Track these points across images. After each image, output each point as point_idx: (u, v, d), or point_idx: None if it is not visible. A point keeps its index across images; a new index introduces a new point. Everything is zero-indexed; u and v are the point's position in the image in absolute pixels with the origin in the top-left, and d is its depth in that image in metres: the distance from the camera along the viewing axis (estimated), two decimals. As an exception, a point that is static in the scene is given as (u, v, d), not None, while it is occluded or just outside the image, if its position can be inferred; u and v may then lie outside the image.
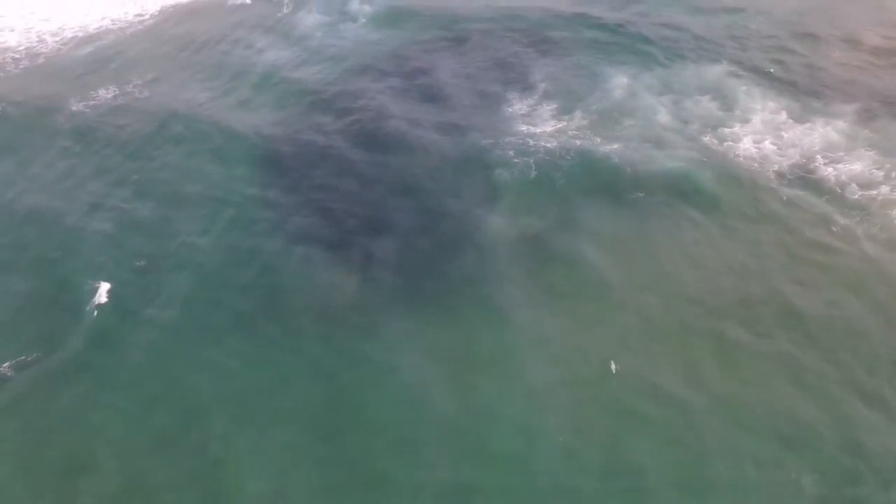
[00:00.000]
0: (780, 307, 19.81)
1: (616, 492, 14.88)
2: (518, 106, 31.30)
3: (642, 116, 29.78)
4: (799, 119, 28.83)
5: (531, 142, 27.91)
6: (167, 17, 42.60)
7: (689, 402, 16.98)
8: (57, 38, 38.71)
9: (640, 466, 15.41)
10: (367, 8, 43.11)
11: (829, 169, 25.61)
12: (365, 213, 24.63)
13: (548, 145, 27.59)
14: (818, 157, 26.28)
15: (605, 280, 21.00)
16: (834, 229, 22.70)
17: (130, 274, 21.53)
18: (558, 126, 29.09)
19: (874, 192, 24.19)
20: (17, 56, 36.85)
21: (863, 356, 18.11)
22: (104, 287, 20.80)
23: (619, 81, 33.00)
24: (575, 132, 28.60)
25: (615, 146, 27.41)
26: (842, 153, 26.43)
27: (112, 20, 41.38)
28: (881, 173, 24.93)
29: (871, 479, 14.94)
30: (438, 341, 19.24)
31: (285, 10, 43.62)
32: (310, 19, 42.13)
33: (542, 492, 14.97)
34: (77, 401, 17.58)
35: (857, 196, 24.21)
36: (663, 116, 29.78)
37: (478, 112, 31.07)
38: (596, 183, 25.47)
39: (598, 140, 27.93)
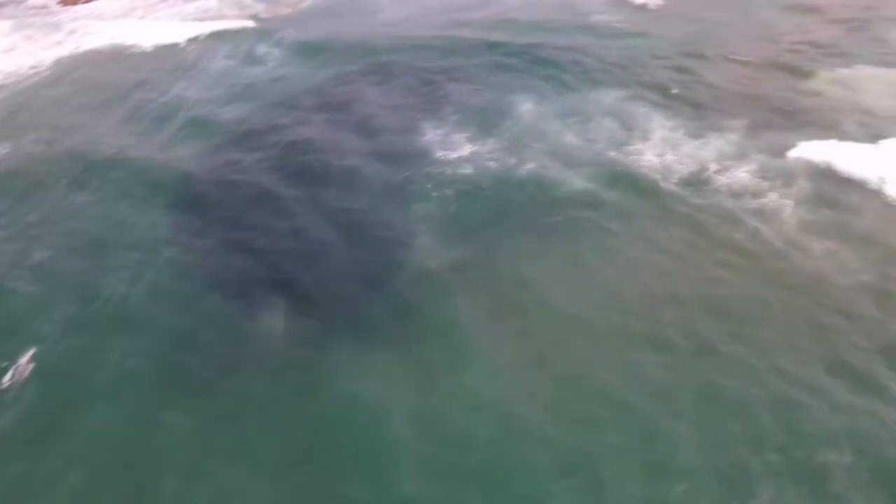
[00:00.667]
0: (707, 304, 21.17)
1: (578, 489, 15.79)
2: (433, 135, 31.82)
3: (551, 139, 31.00)
4: (695, 135, 31.27)
5: (448, 169, 28.45)
6: (66, 68, 40.74)
7: (634, 402, 18.01)
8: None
9: (601, 467, 16.36)
10: (275, 51, 43.01)
11: (724, 178, 27.98)
12: (293, 251, 24.05)
13: (464, 171, 28.23)
14: (714, 167, 28.51)
15: (534, 297, 21.63)
16: (740, 231, 24.46)
17: (56, 337, 20.35)
18: (473, 151, 29.89)
19: (764, 199, 26.70)
20: None
21: (789, 342, 19.63)
22: (28, 354, 19.61)
23: (527, 107, 34.38)
24: (489, 157, 29.46)
25: (529, 167, 28.46)
26: (735, 162, 28.97)
27: (5, 74, 39.35)
28: (766, 183, 27.20)
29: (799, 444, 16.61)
30: (379, 370, 19.21)
31: (189, 56, 42.98)
32: (217, 64, 41.61)
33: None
34: (12, 484, 16.12)
35: (752, 202, 26.55)
36: (571, 138, 31.27)
37: (394, 143, 31.25)
38: (514, 206, 26.27)
39: (512, 163, 28.87)
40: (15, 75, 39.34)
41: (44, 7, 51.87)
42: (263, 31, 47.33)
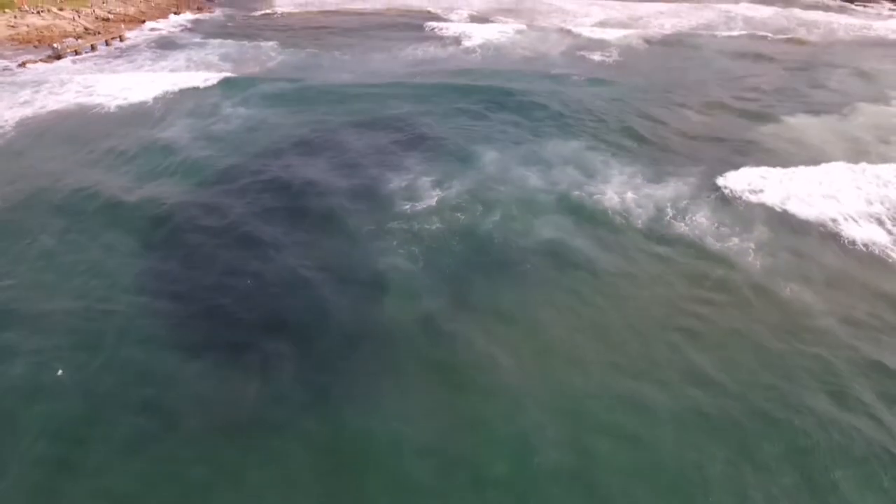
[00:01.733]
0: (680, 361, 20.98)
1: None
2: (399, 182, 32.05)
3: (516, 186, 31.43)
4: (654, 179, 32.05)
5: (415, 222, 28.41)
6: (30, 130, 40.65)
7: (635, 432, 18.01)
8: None
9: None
10: (245, 103, 43.55)
11: (685, 225, 28.52)
12: (257, 313, 23.40)
13: (431, 222, 28.28)
14: (674, 210, 29.28)
15: (500, 353, 21.29)
16: (705, 281, 24.79)
17: (10, 407, 19.71)
18: (439, 200, 30.01)
19: (729, 243, 27.22)
20: None
21: (768, 396, 19.65)
22: None
23: (491, 156, 34.90)
24: (455, 206, 29.61)
25: (495, 217, 28.66)
26: (693, 205, 29.72)
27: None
28: (727, 229, 27.88)
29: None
30: (341, 438, 18.74)
31: (156, 115, 43.11)
32: (186, 117, 41.81)
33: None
34: None
35: (716, 247, 27.07)
36: (535, 184, 31.62)
37: (361, 193, 31.26)
38: (482, 256, 26.26)
39: (479, 211, 29.03)
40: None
41: (4, 69, 51.88)
42: (233, 86, 48.41)
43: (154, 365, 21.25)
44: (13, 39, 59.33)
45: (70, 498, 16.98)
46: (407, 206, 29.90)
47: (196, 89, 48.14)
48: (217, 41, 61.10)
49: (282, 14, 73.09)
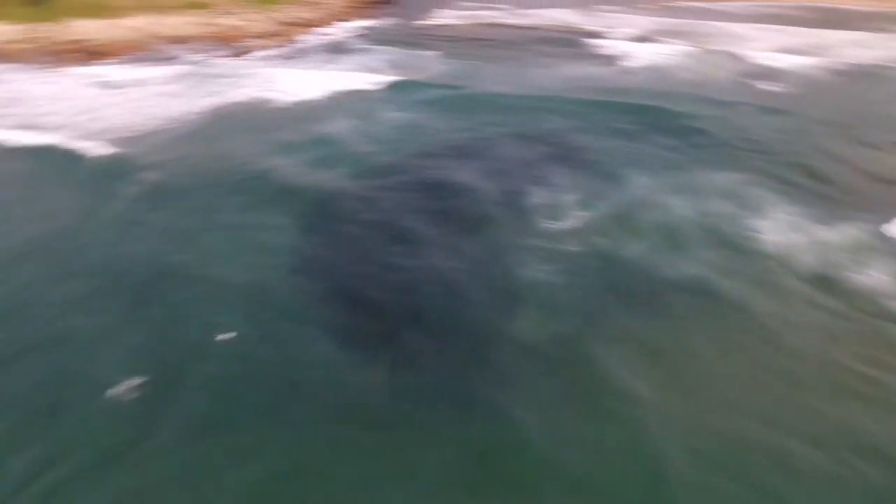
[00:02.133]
0: (842, 423, 19.14)
1: None
2: (540, 200, 31.73)
3: (665, 216, 30.08)
4: (825, 222, 29.41)
5: (555, 241, 28.12)
6: (215, 118, 45.14)
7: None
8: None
9: None
10: (400, 114, 45.01)
11: (858, 276, 25.83)
12: (400, 307, 24.30)
13: (570, 244, 27.79)
14: (846, 262, 26.47)
15: (639, 388, 20.51)
16: (879, 342, 22.13)
17: (162, 358, 21.94)
18: (581, 222, 29.53)
19: (908, 302, 24.30)
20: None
21: None
22: (124, 386, 20.47)
23: (642, 180, 33.65)
24: (597, 229, 28.91)
25: (638, 246, 27.63)
26: (872, 259, 26.75)
27: (162, 121, 44.10)
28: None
29: None
30: (465, 447, 18.85)
31: (323, 112, 46.05)
32: (337, 124, 44.02)
33: None
34: None
35: (891, 306, 24.36)
36: (687, 216, 30.14)
37: (502, 208, 31.40)
38: (620, 285, 25.34)
39: (622, 238, 28.15)
40: (173, 121, 44.17)
41: (198, 62, 57.98)
42: (395, 90, 50.39)
43: (305, 344, 22.62)
44: (207, 37, 65.98)
45: (215, 453, 18.49)
46: (548, 224, 29.57)
47: (360, 91, 50.91)
48: (383, 48, 64.10)
49: (445, 25, 75.43)
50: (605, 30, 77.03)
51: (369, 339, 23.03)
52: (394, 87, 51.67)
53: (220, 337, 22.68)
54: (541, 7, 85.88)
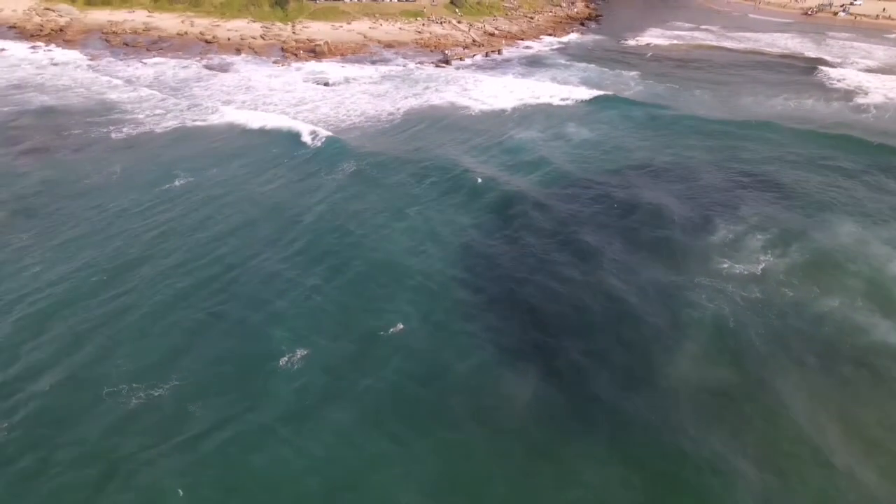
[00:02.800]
0: None
1: None
2: (723, 235, 29.84)
3: (870, 271, 26.79)
4: None
5: (731, 282, 26.17)
6: (414, 118, 48.31)
7: None
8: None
9: None
10: (583, 131, 45.03)
11: None
12: (564, 319, 24.69)
13: (750, 289, 25.65)
14: None
15: (808, 450, 18.98)
16: None
17: (328, 338, 23.71)
18: (766, 266, 27.20)
19: None
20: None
21: None
22: (301, 353, 22.72)
23: (847, 228, 30.35)
24: (784, 278, 26.41)
25: (832, 303, 24.79)
26: None
27: (367, 117, 48.07)
28: None
29: None
30: (607, 478, 18.52)
31: (513, 121, 47.36)
32: (527, 134, 45.00)
33: None
34: (271, 465, 18.77)
35: None
36: (893, 275, 26.81)
37: (681, 237, 29.96)
38: (803, 345, 22.96)
39: (812, 291, 25.52)
40: (374, 118, 47.95)
41: (405, 66, 62.04)
42: (586, 107, 50.20)
43: (470, 344, 23.60)
44: (417, 43, 70.31)
45: (377, 442, 19.84)
46: (725, 265, 27.56)
47: (550, 105, 51.28)
48: (582, 64, 63.75)
49: (650, 45, 73.02)
50: (834, 58, 69.70)
51: (534, 350, 23.26)
52: (584, 103, 51.35)
53: (392, 329, 24.23)
54: (758, 31, 79.84)
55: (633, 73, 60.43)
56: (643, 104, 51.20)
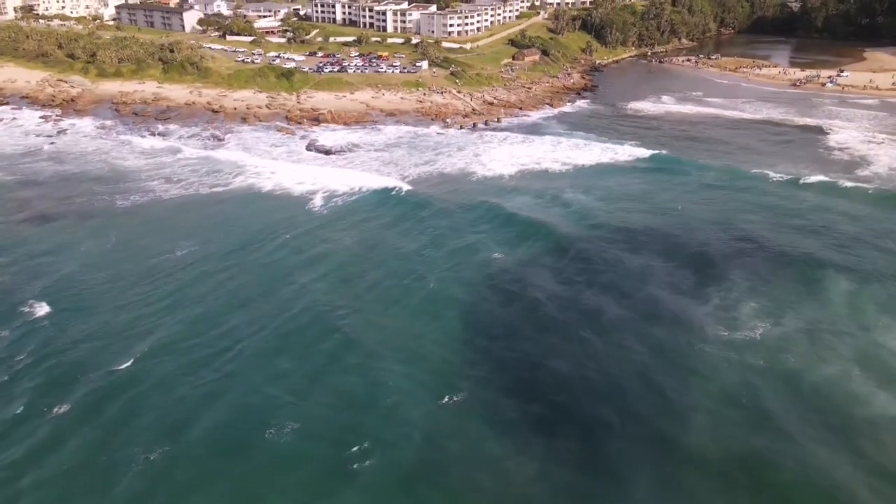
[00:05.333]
0: None
1: None
2: (714, 303, 30.13)
3: (868, 338, 27.03)
4: None
5: (729, 350, 26.36)
6: (425, 180, 50.00)
7: None
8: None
9: None
10: (581, 197, 45.96)
11: None
12: (575, 380, 25.08)
13: (749, 358, 25.78)
14: None
15: None
16: None
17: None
18: (764, 333, 27.41)
19: None
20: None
21: None
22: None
23: (839, 288, 30.75)
24: (783, 345, 26.56)
25: (828, 371, 24.91)
26: None
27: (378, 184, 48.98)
28: None
29: None
30: None
31: (509, 186, 48.75)
32: (526, 197, 45.95)
33: None
34: None
35: None
36: (891, 346, 26.78)
37: (671, 304, 30.40)
38: (808, 414, 23.05)
39: (811, 360, 25.70)
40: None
41: (415, 135, 63.70)
42: (580, 176, 50.90)
43: (472, 409, 23.83)
44: (418, 112, 72.27)
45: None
46: (724, 333, 27.76)
47: (546, 172, 52.32)
48: (579, 133, 65.13)
49: (646, 114, 74.81)
50: (824, 122, 70.73)
51: (534, 422, 23.16)
52: (578, 171, 52.31)
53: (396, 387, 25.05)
54: (751, 99, 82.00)
55: (629, 141, 61.67)
56: (639, 170, 52.39)
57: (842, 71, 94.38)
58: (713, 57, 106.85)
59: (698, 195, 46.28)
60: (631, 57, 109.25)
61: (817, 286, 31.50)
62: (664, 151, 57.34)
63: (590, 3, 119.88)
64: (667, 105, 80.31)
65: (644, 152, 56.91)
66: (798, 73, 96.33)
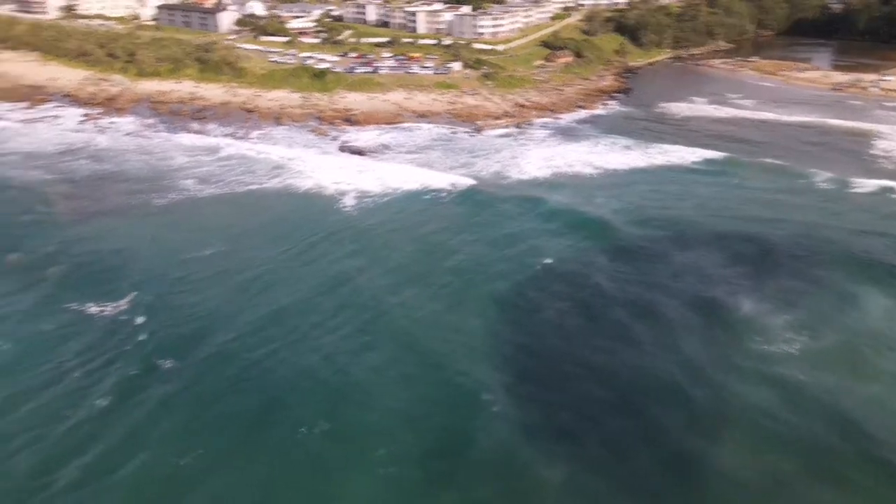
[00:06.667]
0: None
1: None
2: (750, 312, 29.51)
3: None
4: None
5: (765, 363, 25.81)
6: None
7: None
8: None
9: None
10: (614, 202, 45.59)
11: None
12: (590, 400, 24.57)
13: (787, 373, 25.16)
14: None
15: None
16: None
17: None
18: (798, 349, 26.69)
19: None
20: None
21: None
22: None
23: (878, 302, 29.85)
24: (821, 359, 25.92)
25: (870, 389, 24.24)
26: None
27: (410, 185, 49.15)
28: None
29: None
30: None
31: (544, 188, 48.66)
32: (561, 196, 45.80)
33: None
34: None
35: None
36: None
37: (704, 312, 29.86)
38: (850, 429, 22.47)
39: (850, 378, 25.00)
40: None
41: (447, 138, 63.74)
42: (611, 178, 50.26)
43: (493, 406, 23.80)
44: (450, 113, 72.21)
45: None
46: (761, 346, 27.11)
47: (582, 175, 51.92)
48: (614, 135, 64.27)
49: (686, 117, 73.57)
50: (871, 126, 68.55)
51: (561, 429, 23.02)
52: (609, 174, 51.80)
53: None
54: (792, 103, 79.98)
55: (664, 143, 60.73)
56: (676, 172, 51.72)
57: (885, 75, 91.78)
58: (751, 59, 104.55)
59: (735, 198, 45.55)
60: (666, 59, 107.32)
61: (860, 298, 30.67)
62: (701, 153, 56.40)
63: (624, 4, 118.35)
64: (703, 107, 78.81)
65: (680, 155, 56.07)
66: (840, 77, 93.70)
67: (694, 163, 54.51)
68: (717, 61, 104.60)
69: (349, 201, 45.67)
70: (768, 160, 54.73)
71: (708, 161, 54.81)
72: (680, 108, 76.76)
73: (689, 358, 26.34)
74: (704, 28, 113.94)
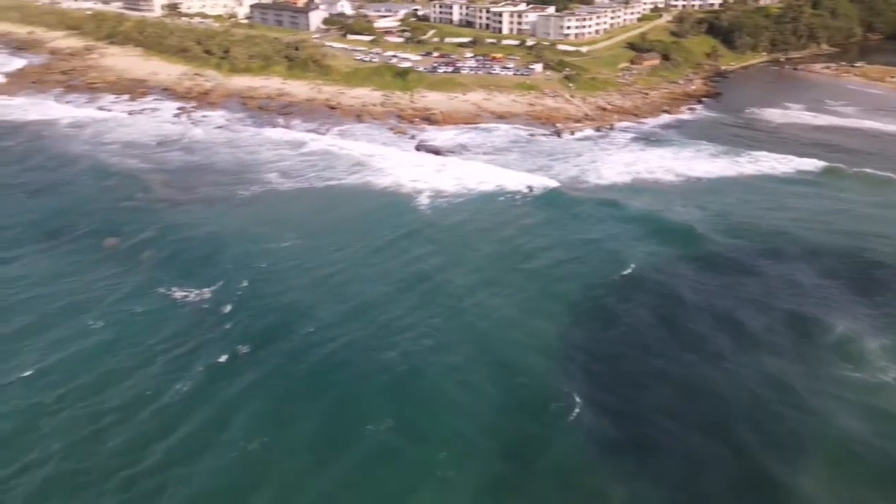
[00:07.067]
0: None
1: None
2: (843, 331, 27.83)
3: None
4: None
5: (855, 392, 24.27)
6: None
7: None
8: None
9: None
10: (694, 210, 43.81)
11: None
12: (669, 415, 23.95)
13: (881, 403, 23.66)
14: None
15: None
16: None
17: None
18: (894, 378, 25.01)
19: None
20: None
21: None
22: None
23: None
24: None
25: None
26: None
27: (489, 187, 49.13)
28: None
29: None
30: None
31: (619, 195, 47.24)
32: (636, 205, 44.62)
33: None
34: None
35: None
36: None
37: (792, 331, 28.37)
38: None
39: None
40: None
41: (526, 140, 63.16)
42: (693, 188, 48.64)
43: (574, 427, 23.52)
44: (529, 115, 71.53)
45: None
46: (851, 373, 25.56)
47: (660, 181, 50.31)
48: (699, 142, 61.85)
49: (778, 124, 69.88)
50: None
51: (635, 444, 22.44)
52: (691, 183, 50.00)
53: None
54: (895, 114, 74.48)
55: (754, 151, 57.91)
56: (766, 181, 49.46)
57: None
58: (857, 65, 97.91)
59: (833, 210, 43.10)
60: (761, 63, 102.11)
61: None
62: (796, 162, 53.50)
63: (718, 5, 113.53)
64: (799, 114, 74.59)
65: (772, 164, 53.41)
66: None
67: (787, 172, 51.84)
68: (817, 66, 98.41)
69: (426, 200, 46.02)
70: (870, 170, 51.23)
71: (803, 171, 52.02)
72: (773, 115, 72.95)
73: (776, 378, 25.22)
74: (806, 30, 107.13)
